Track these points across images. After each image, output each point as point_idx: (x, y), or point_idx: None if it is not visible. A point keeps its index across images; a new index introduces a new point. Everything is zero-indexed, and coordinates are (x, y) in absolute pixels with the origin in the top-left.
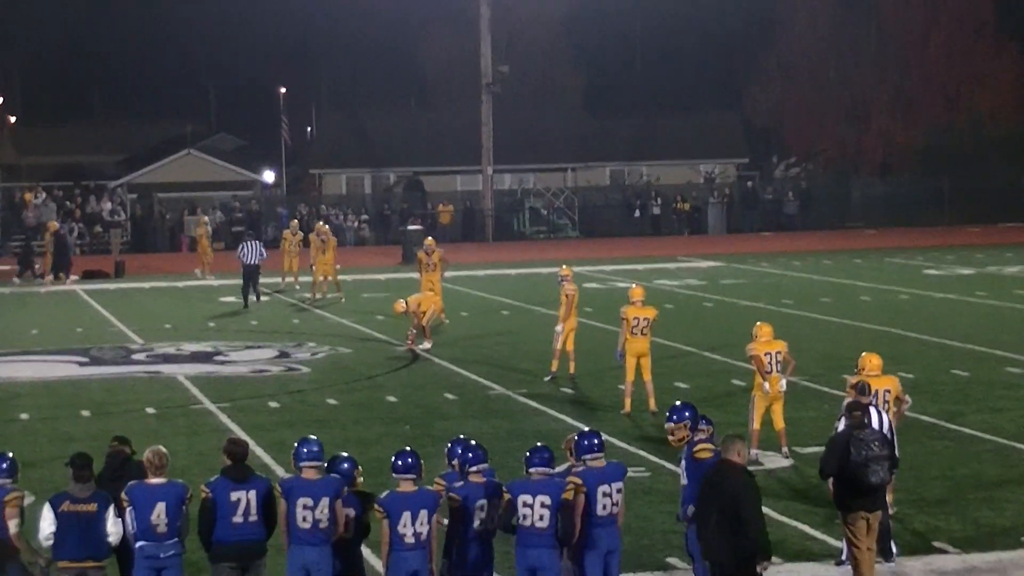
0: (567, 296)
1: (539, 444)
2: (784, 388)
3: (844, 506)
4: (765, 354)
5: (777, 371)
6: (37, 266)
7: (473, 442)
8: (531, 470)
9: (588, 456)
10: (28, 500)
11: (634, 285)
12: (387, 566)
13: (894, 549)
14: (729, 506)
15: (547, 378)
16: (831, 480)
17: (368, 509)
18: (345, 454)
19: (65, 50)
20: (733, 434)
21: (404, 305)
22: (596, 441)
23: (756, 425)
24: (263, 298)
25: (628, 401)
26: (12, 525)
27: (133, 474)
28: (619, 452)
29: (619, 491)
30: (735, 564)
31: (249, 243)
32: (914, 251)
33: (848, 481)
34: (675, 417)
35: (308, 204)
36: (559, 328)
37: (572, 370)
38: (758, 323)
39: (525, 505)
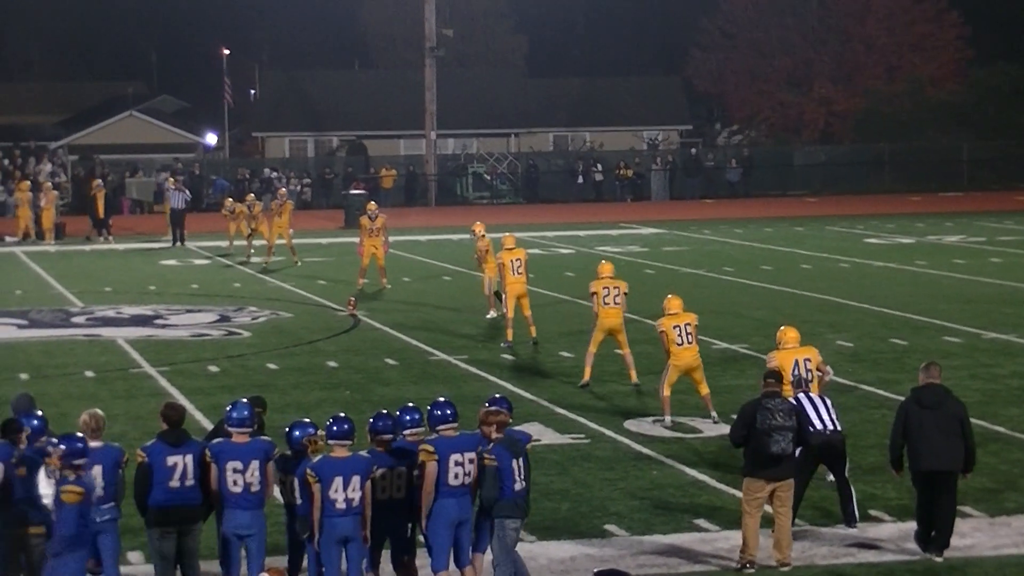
0: (495, 260)
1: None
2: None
3: (748, 472)
4: (674, 327)
5: (688, 342)
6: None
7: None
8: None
9: (442, 426)
10: None
11: (603, 263)
12: (318, 531)
13: (856, 515)
14: (951, 420)
15: (504, 344)
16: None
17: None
18: (307, 420)
19: (3, 7)
20: (931, 361)
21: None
22: (449, 412)
23: (666, 392)
24: (201, 261)
25: (588, 370)
26: None
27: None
28: (559, 418)
29: (471, 461)
30: (960, 467)
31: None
32: (855, 219)
33: (752, 449)
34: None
35: (250, 167)
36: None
37: (533, 334)
38: (668, 296)
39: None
